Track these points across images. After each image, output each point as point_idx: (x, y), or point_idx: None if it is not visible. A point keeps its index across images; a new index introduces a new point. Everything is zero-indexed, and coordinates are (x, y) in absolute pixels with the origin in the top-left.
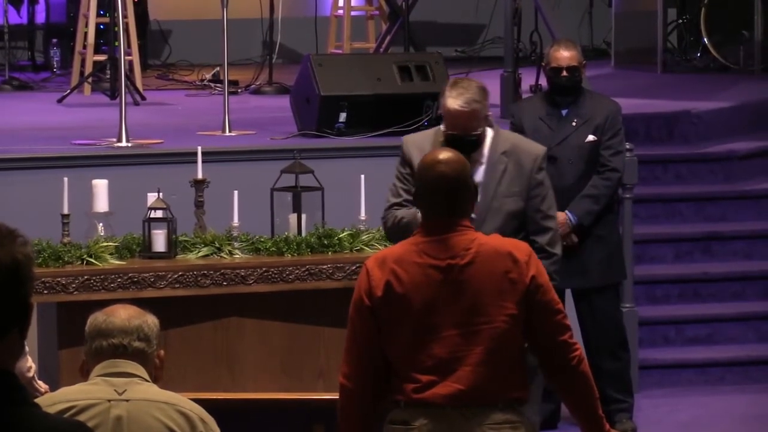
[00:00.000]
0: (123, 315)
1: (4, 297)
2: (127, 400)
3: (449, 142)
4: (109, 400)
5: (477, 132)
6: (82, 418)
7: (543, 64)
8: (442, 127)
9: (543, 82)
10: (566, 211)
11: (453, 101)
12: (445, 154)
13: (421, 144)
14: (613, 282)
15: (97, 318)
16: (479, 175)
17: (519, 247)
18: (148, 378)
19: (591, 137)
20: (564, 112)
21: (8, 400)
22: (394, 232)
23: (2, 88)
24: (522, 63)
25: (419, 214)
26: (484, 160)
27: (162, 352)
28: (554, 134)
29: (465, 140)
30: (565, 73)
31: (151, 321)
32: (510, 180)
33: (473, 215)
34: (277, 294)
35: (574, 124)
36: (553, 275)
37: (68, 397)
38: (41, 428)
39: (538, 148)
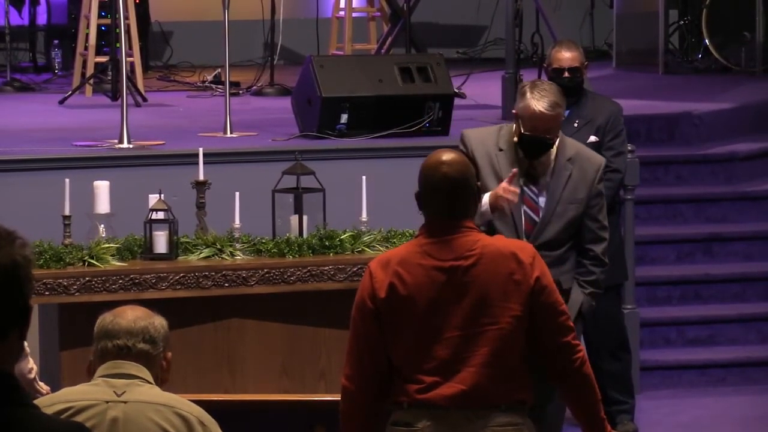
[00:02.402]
0: (130, 316)
1: (4, 299)
2: (124, 402)
3: (526, 142)
4: (107, 402)
5: (556, 136)
6: (79, 418)
7: (545, 65)
8: (512, 126)
9: None
10: None
11: (537, 103)
12: (448, 156)
13: (484, 139)
14: (615, 283)
15: (105, 319)
16: (545, 179)
17: (523, 248)
18: (150, 380)
19: (593, 138)
20: (566, 113)
21: (7, 401)
22: None
23: (4, 90)
24: (523, 64)
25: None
26: (551, 163)
27: (169, 354)
28: None
29: (543, 143)
30: (566, 74)
31: (158, 323)
32: (574, 187)
33: (536, 218)
34: (279, 295)
35: (575, 125)
36: (601, 283)
37: (67, 398)
38: (39, 429)
39: (600, 158)
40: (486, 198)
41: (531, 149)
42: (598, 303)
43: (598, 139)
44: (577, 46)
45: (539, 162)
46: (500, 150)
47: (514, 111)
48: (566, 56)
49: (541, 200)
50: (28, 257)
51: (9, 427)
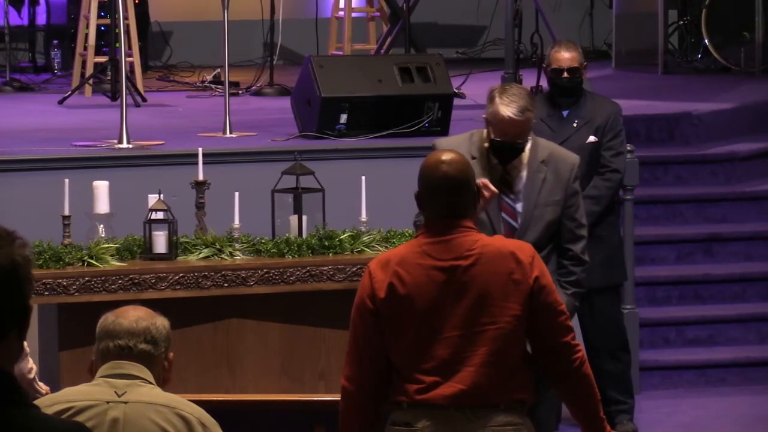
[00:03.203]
0: (131, 316)
1: (3, 299)
2: (125, 402)
3: (496, 148)
4: (107, 402)
5: (527, 140)
6: (79, 419)
7: (544, 65)
8: (483, 132)
9: (544, 83)
10: None
11: (506, 108)
12: (448, 155)
13: (457, 147)
14: (614, 283)
15: (107, 318)
16: (520, 184)
17: (522, 248)
18: (152, 380)
19: (592, 138)
20: (565, 113)
21: (7, 401)
22: None
23: (3, 90)
24: (523, 64)
25: None
26: (524, 168)
27: (171, 354)
28: (555, 135)
29: (514, 148)
30: (565, 75)
31: (160, 323)
32: (550, 189)
33: (514, 224)
34: (278, 295)
35: (575, 125)
36: (583, 282)
37: (68, 398)
38: (39, 429)
39: (574, 157)
40: None
41: (502, 154)
42: (598, 303)
43: (597, 139)
44: (576, 47)
45: (512, 166)
46: (473, 158)
47: (483, 116)
48: (565, 57)
49: (519, 206)
50: (28, 257)
51: (8, 427)
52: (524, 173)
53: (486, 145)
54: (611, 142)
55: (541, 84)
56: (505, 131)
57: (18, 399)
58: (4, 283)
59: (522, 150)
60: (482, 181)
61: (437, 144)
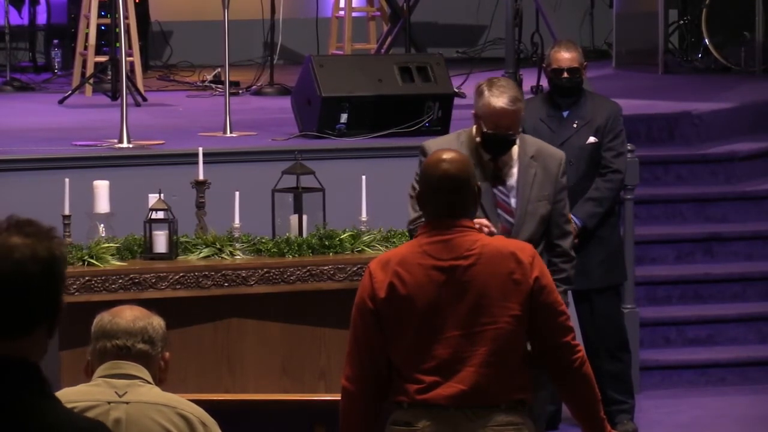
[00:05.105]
0: (128, 316)
1: (37, 289)
2: (126, 403)
3: (489, 141)
4: (109, 402)
5: (518, 132)
6: None
7: (544, 65)
8: (471, 130)
9: (544, 83)
10: (570, 214)
11: (497, 100)
12: (449, 154)
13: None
14: (614, 283)
15: (103, 318)
16: (512, 179)
17: (523, 248)
18: (150, 380)
19: (592, 139)
20: (565, 113)
21: (34, 391)
22: None
23: (3, 89)
24: (523, 64)
25: None
26: (515, 163)
27: (168, 354)
28: (555, 136)
29: (506, 140)
30: (566, 75)
31: (156, 323)
32: (540, 184)
33: (511, 220)
34: (278, 295)
35: (575, 125)
36: (572, 280)
37: (68, 399)
38: (63, 423)
39: (560, 153)
40: None
41: (495, 147)
42: (598, 303)
43: (597, 140)
44: (576, 47)
45: (503, 162)
46: None
47: (473, 112)
48: (565, 57)
49: (512, 201)
50: (64, 255)
51: (28, 417)
52: (515, 169)
53: (478, 140)
54: (612, 143)
55: (541, 84)
56: (497, 123)
57: (41, 390)
58: (42, 275)
59: (514, 142)
60: (479, 221)
61: (425, 146)
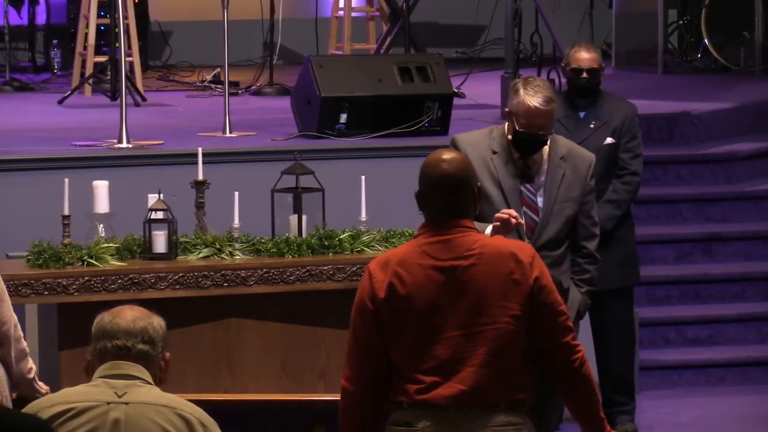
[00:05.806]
0: (128, 316)
1: None
2: (126, 403)
3: (520, 140)
4: (108, 403)
5: (550, 132)
6: (80, 420)
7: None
8: (503, 127)
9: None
10: None
11: (532, 99)
12: (449, 154)
13: (477, 143)
14: (628, 284)
15: (103, 318)
16: (541, 178)
17: (522, 249)
18: (150, 380)
19: (609, 140)
20: (582, 114)
21: None
22: None
23: (3, 89)
24: (523, 64)
25: (487, 230)
26: (545, 162)
27: (168, 354)
28: (572, 136)
29: (538, 139)
30: (585, 75)
31: (156, 323)
32: (569, 185)
33: (536, 218)
34: (278, 295)
35: (592, 126)
36: (595, 281)
37: (68, 399)
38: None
39: (590, 155)
40: (488, 230)
41: (526, 146)
42: (613, 304)
43: (614, 141)
44: (596, 48)
45: (533, 161)
46: (494, 153)
47: (506, 109)
48: (585, 57)
49: (539, 200)
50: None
51: None
52: (545, 168)
53: (509, 137)
54: (629, 144)
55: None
56: (530, 122)
57: None
58: None
59: (545, 142)
60: (508, 211)
61: (456, 139)
